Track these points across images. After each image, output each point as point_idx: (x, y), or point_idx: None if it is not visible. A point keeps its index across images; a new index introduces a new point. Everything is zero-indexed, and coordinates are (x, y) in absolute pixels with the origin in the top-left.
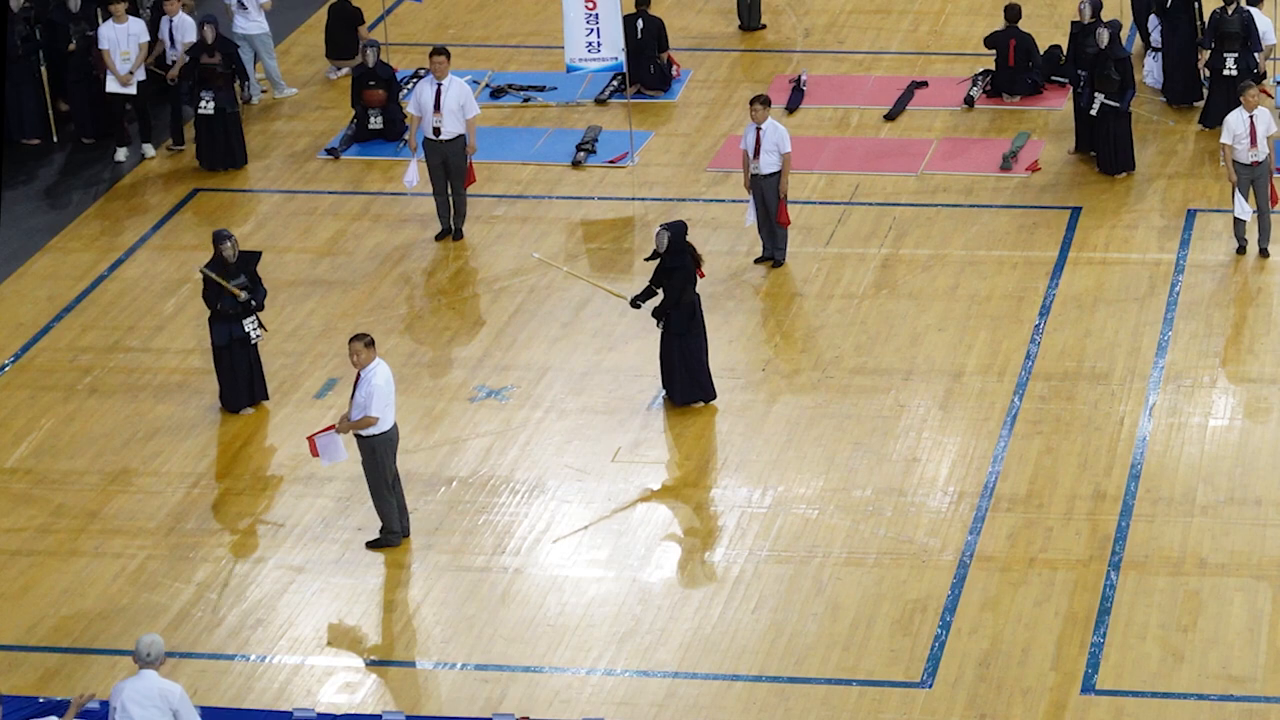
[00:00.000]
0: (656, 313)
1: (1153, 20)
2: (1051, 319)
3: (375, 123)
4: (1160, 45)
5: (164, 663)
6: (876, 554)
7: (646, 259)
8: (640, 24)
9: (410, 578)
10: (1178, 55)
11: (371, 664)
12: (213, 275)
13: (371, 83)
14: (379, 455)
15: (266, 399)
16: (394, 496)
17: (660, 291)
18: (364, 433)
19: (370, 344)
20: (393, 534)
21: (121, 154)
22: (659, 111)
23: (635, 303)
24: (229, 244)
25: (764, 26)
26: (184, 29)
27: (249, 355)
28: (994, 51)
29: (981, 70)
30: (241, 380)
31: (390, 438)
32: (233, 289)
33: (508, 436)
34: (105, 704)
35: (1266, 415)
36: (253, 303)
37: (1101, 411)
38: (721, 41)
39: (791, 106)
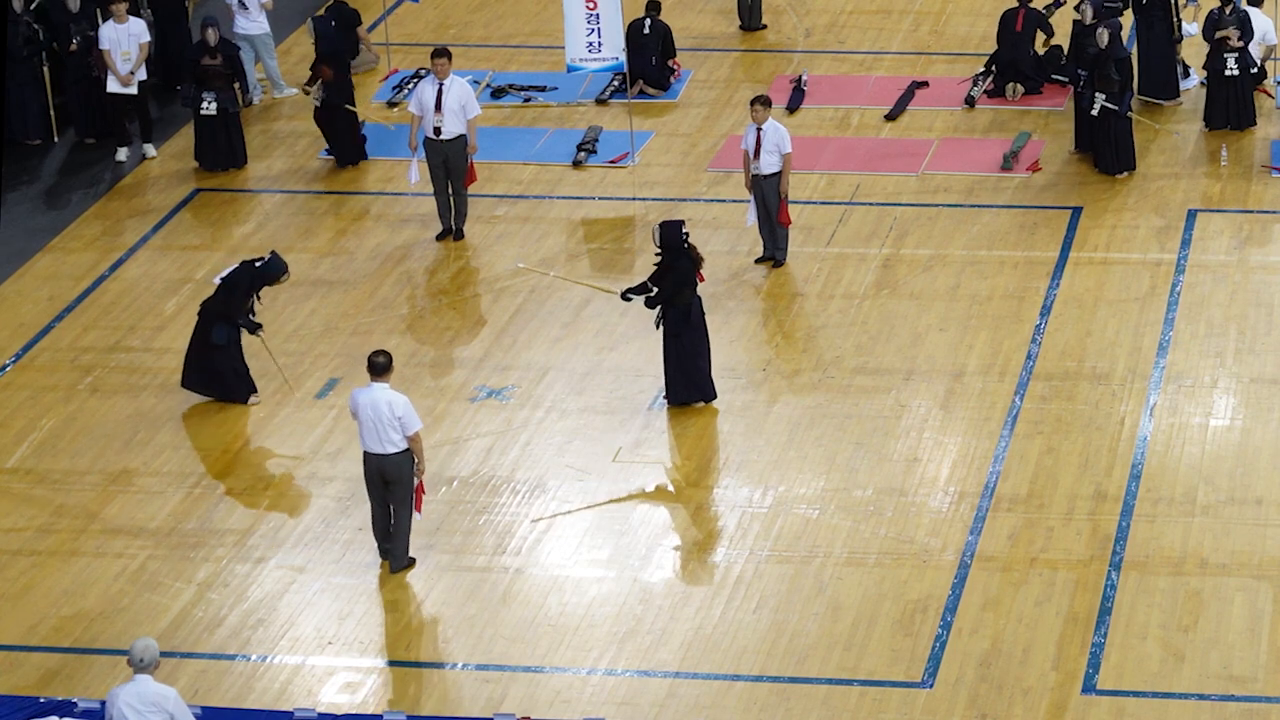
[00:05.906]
0: (650, 308)
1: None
2: (1052, 319)
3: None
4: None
5: (158, 666)
6: (877, 554)
7: (656, 254)
8: (648, 25)
9: (410, 578)
10: (1154, 51)
11: (372, 664)
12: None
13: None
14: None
15: (255, 392)
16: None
17: (653, 287)
18: None
19: (376, 369)
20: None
21: (122, 154)
22: (659, 111)
23: (626, 296)
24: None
25: (765, 26)
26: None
27: (239, 354)
28: (1000, 39)
29: (982, 70)
30: (240, 376)
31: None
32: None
33: (508, 436)
34: (103, 704)
35: (1267, 415)
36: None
37: (1102, 411)
38: (722, 41)
39: (792, 107)
